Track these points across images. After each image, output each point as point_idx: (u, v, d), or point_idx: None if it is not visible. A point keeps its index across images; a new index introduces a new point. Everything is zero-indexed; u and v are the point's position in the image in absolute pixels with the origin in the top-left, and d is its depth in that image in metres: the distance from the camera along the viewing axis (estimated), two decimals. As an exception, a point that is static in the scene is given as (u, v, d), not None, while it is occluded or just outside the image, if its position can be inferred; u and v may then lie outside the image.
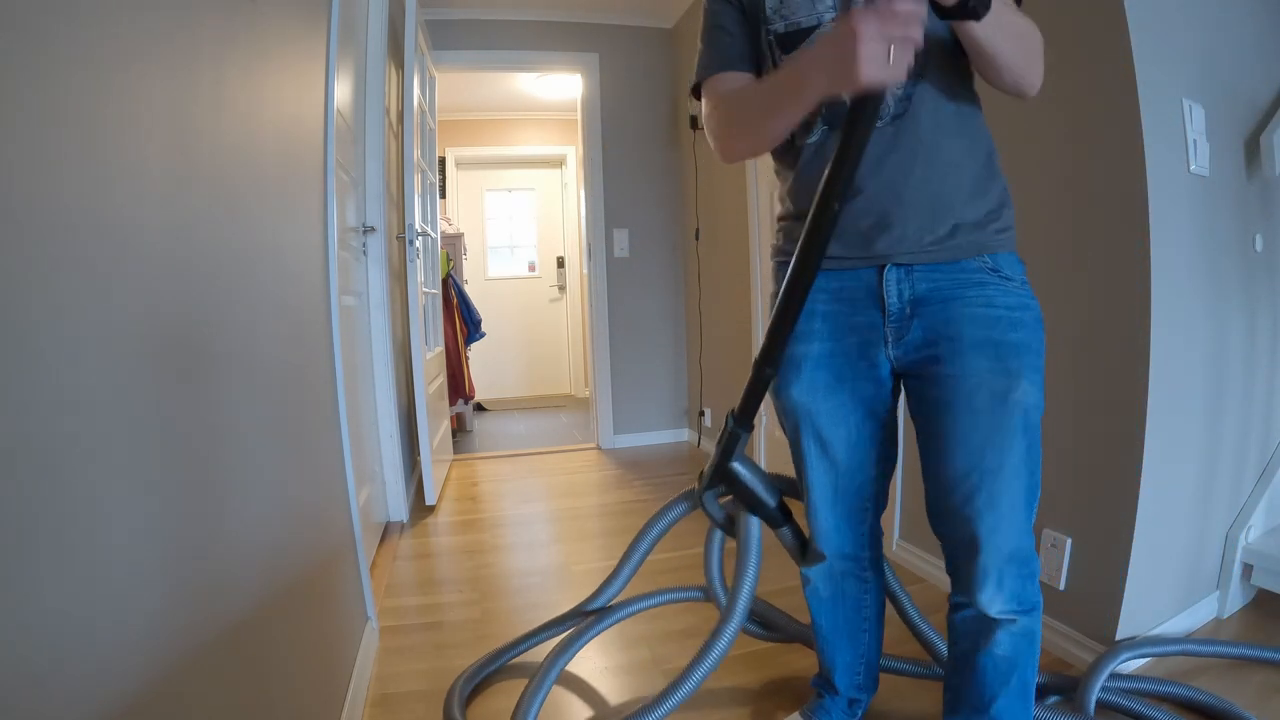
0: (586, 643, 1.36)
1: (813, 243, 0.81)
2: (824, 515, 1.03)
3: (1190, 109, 1.27)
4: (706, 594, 1.17)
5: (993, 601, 0.88)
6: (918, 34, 0.69)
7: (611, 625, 1.40)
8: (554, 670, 1.26)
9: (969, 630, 0.93)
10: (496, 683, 1.37)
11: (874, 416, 0.97)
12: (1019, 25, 0.80)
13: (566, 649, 1.30)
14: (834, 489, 1.01)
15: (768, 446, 2.74)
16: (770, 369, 0.92)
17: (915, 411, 0.94)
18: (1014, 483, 0.86)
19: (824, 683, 1.16)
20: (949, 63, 0.86)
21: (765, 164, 2.36)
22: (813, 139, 0.92)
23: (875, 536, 1.07)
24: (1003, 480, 0.86)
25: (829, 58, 0.73)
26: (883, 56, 0.68)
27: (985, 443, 0.85)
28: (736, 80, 0.94)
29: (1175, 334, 1.25)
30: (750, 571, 1.00)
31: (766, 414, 2.70)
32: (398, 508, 2.43)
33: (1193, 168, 1.28)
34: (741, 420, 0.97)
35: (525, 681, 1.26)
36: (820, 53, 0.75)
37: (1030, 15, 0.82)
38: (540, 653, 1.46)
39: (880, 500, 1.04)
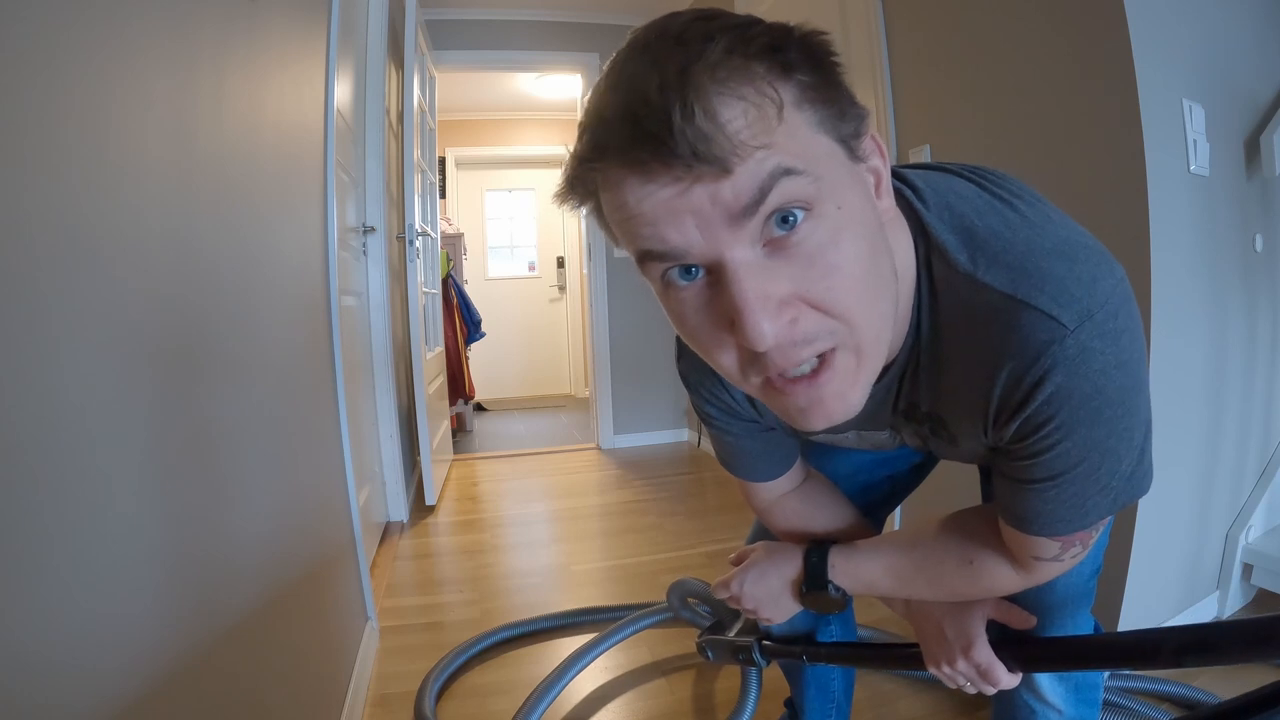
0: (594, 659, 1.32)
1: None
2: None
3: (1190, 109, 1.27)
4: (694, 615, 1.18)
5: (1055, 688, 0.74)
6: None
7: (616, 643, 1.38)
8: (561, 681, 1.24)
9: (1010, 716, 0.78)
10: (467, 681, 1.38)
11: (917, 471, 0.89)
12: (912, 564, 0.68)
13: (576, 662, 1.28)
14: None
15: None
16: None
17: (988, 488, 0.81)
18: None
19: (793, 713, 1.06)
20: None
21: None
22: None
23: None
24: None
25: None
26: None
27: None
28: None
29: (1175, 334, 1.25)
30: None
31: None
32: (398, 508, 2.43)
33: (1193, 168, 1.28)
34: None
35: (493, 676, 1.24)
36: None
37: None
38: (518, 656, 1.46)
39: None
